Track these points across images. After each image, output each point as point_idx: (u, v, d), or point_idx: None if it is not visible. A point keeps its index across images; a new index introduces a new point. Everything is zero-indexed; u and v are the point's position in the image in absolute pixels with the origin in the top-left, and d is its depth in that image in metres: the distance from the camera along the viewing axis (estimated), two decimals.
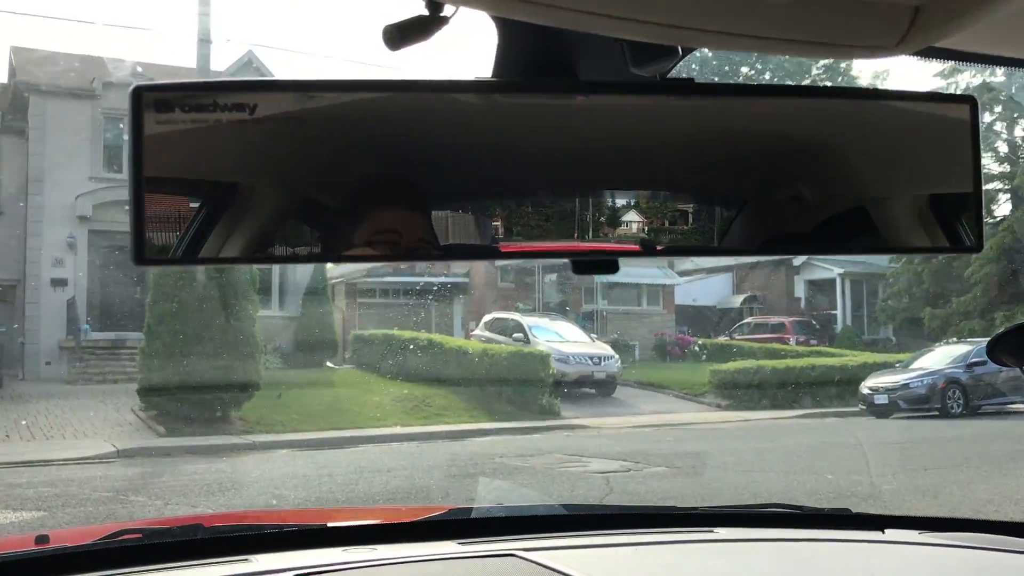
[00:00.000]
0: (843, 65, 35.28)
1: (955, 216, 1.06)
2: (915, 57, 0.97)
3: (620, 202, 0.98)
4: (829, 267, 34.15)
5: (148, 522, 2.72)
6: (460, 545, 1.83)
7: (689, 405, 21.27)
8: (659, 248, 1.00)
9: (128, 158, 0.85)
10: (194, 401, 15.91)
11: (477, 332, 24.02)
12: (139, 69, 24.79)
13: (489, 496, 8.54)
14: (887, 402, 19.17)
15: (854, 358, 23.45)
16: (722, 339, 31.45)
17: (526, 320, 23.04)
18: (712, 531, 2.01)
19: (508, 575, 1.66)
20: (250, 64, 26.49)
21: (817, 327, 32.73)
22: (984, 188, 1.19)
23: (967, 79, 32.65)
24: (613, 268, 0.99)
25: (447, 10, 0.93)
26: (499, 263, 24.43)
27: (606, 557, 1.84)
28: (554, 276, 29.33)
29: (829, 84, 34.43)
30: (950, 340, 30.71)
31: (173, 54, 69.11)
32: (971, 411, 19.05)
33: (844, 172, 1.03)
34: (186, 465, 12.65)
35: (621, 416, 19.24)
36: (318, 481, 10.77)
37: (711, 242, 1.02)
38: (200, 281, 17.20)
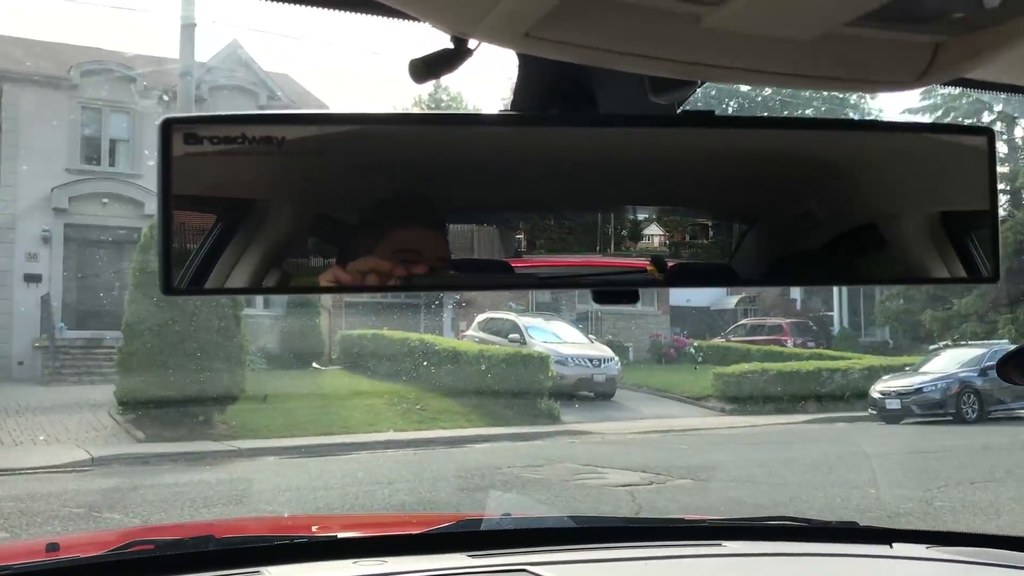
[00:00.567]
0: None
1: (971, 246, 1.05)
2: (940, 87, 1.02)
3: (636, 228, 0.98)
4: None
5: (160, 530, 2.80)
6: (470, 558, 1.82)
7: (692, 409, 20.49)
8: (673, 276, 1.00)
9: (157, 188, 0.86)
10: (175, 404, 14.93)
11: (470, 333, 23.14)
12: (127, 59, 23.82)
13: (498, 506, 8.36)
14: (899, 407, 18.45)
15: (859, 361, 22.76)
16: (718, 341, 30.80)
17: (522, 320, 22.19)
18: (720, 544, 2.00)
19: None
20: (234, 53, 25.53)
21: (815, 329, 32.10)
22: None
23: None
24: (634, 299, 1.00)
25: (471, 43, 0.93)
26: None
27: (616, 571, 1.83)
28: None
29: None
30: (952, 343, 30.23)
31: (155, 40, 67.85)
32: (984, 417, 18.38)
33: (862, 203, 1.03)
34: (166, 475, 11.72)
35: (623, 421, 18.42)
36: (313, 495, 9.89)
37: (726, 272, 1.02)
38: None
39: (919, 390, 18.48)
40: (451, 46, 0.94)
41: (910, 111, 33.82)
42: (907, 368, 20.69)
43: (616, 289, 1.00)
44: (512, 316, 22.80)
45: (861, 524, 2.20)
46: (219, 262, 0.88)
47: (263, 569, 1.73)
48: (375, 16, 0.94)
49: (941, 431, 16.30)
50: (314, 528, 2.39)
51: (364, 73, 69.01)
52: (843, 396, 21.03)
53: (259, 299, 23.82)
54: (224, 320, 15.92)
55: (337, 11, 0.93)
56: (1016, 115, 33.20)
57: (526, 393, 18.47)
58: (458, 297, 28.55)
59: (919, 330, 31.45)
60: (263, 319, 23.40)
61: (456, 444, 15.20)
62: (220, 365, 15.64)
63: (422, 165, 0.92)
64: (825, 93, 34.03)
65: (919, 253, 1.04)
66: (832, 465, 11.32)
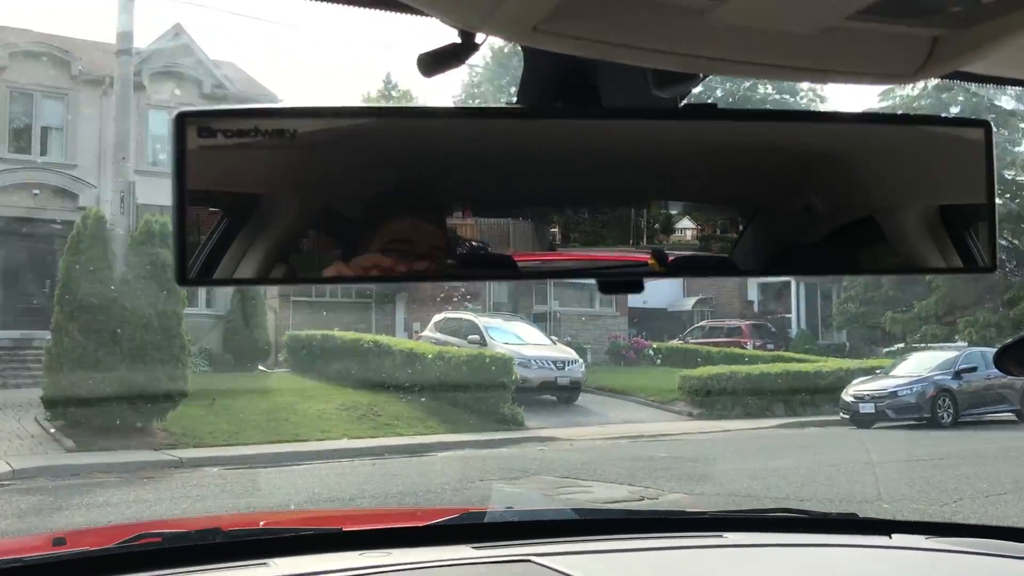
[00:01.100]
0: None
1: (968, 236, 1.07)
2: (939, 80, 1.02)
3: (639, 221, 0.99)
4: None
5: (167, 524, 2.68)
6: (475, 550, 1.81)
7: (659, 413, 19.72)
8: (675, 268, 1.01)
9: (171, 181, 0.87)
10: (109, 410, 13.62)
11: (427, 334, 22.08)
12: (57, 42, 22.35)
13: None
14: (873, 411, 17.91)
15: (826, 364, 22.23)
16: (676, 342, 30.23)
17: (481, 321, 21.21)
18: (721, 536, 2.01)
19: None
20: (178, 37, 24.15)
21: (773, 331, 31.68)
22: None
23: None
24: (638, 288, 1.01)
25: (478, 37, 0.94)
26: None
27: (620, 563, 1.83)
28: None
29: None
30: (906, 345, 30.02)
31: (93, 22, 65.29)
32: (958, 421, 17.92)
33: (861, 196, 1.04)
34: (97, 490, 10.52)
35: (590, 426, 17.56)
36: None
37: (727, 263, 1.03)
38: (118, 272, 14.95)
39: (894, 393, 17.93)
40: (458, 40, 0.95)
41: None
42: (878, 371, 20.17)
43: (621, 279, 1.02)
44: (471, 316, 21.82)
45: (860, 516, 2.21)
46: (232, 254, 0.88)
47: (270, 561, 1.73)
48: (383, 11, 0.93)
49: (922, 436, 15.73)
50: (320, 521, 2.38)
51: (318, 62, 67.35)
52: (812, 400, 20.48)
53: (201, 296, 22.56)
54: (164, 318, 14.66)
55: (342, 5, 0.92)
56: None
57: (488, 397, 17.53)
58: (408, 296, 27.50)
59: (876, 332, 31.24)
60: (206, 318, 22.10)
61: (417, 452, 14.18)
62: (159, 367, 14.40)
63: (431, 158, 0.93)
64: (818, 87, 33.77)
65: (918, 244, 1.05)
66: (831, 475, 10.59)
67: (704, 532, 2.05)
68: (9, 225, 21.45)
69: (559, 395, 19.80)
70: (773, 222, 1.02)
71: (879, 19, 0.86)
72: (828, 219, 1.02)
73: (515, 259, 0.96)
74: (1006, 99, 31.80)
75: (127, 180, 17.05)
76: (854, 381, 19.03)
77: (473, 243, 0.94)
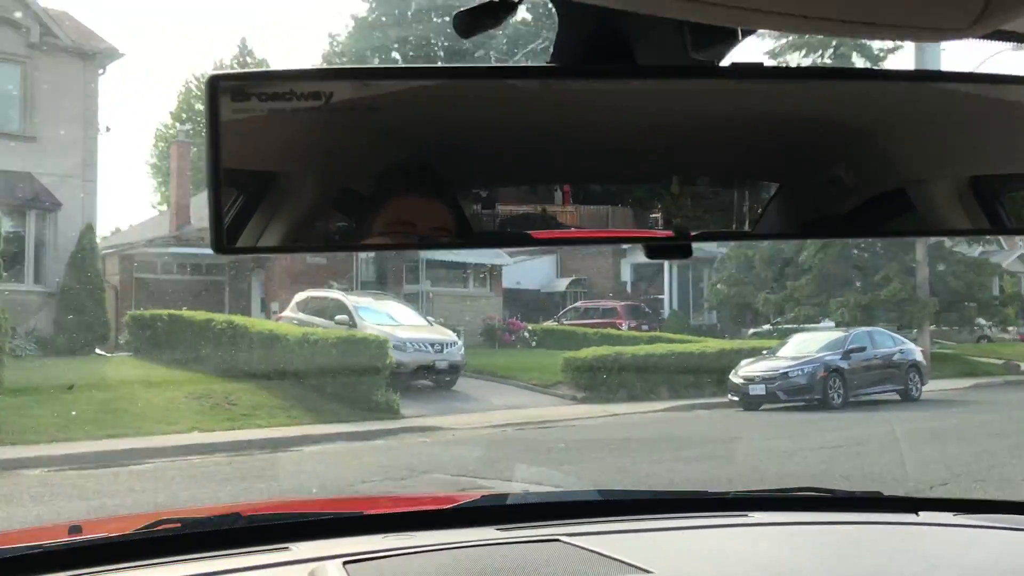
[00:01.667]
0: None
1: (1005, 198, 1.04)
2: (988, 40, 0.95)
3: (668, 186, 0.97)
4: None
5: (186, 512, 2.32)
6: (499, 531, 1.81)
7: (542, 398, 18.52)
8: (695, 234, 0.98)
9: (206, 146, 0.85)
10: None
11: (288, 314, 20.13)
12: None
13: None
14: (764, 393, 17.24)
15: (708, 344, 21.60)
16: (551, 324, 29.29)
17: (351, 300, 19.44)
18: (746, 515, 1.99)
19: (556, 561, 1.59)
20: None
21: (648, 311, 31.17)
22: None
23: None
24: (687, 253, 0.98)
25: None
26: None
27: (647, 542, 1.81)
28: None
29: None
30: (772, 326, 30.05)
31: None
32: (848, 402, 17.50)
33: (905, 154, 1.01)
34: None
35: (472, 413, 16.17)
36: None
37: (751, 225, 1.00)
38: None
39: (785, 375, 17.32)
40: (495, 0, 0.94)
41: None
42: (764, 352, 19.60)
43: (668, 244, 0.99)
44: (338, 295, 20.01)
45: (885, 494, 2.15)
46: (268, 221, 0.87)
47: (291, 545, 1.70)
48: None
49: (818, 418, 15.09)
50: (341, 506, 2.33)
51: (167, 19, 62.97)
52: (696, 381, 19.78)
53: (28, 271, 19.92)
54: None
55: None
56: None
57: (360, 383, 15.89)
58: (266, 273, 25.39)
59: (747, 313, 31.20)
60: (32, 296, 19.49)
61: (280, 447, 12.44)
62: None
63: (470, 118, 0.92)
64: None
65: (953, 206, 1.01)
66: (806, 457, 9.53)
67: (728, 511, 2.03)
68: None
69: (437, 380, 18.31)
70: (801, 181, 0.97)
71: None
72: (859, 180, 0.98)
73: (533, 237, 0.94)
74: None
75: None
76: (742, 362, 18.36)
77: (513, 206, 0.92)
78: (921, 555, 1.81)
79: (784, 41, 27.27)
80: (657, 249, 1.01)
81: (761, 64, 0.94)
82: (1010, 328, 37.76)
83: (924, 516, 1.98)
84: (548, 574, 1.51)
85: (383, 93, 0.89)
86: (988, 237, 31.49)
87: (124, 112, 58.65)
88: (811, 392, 17.18)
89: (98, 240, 22.83)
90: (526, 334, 26.58)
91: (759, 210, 0.99)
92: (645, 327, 28.97)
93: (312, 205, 0.88)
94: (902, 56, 29.11)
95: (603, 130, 0.93)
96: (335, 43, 48.77)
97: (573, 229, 0.94)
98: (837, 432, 12.91)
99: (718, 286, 31.16)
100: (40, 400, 13.40)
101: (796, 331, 26.36)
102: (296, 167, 0.87)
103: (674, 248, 1.00)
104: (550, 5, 0.96)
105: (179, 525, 1.77)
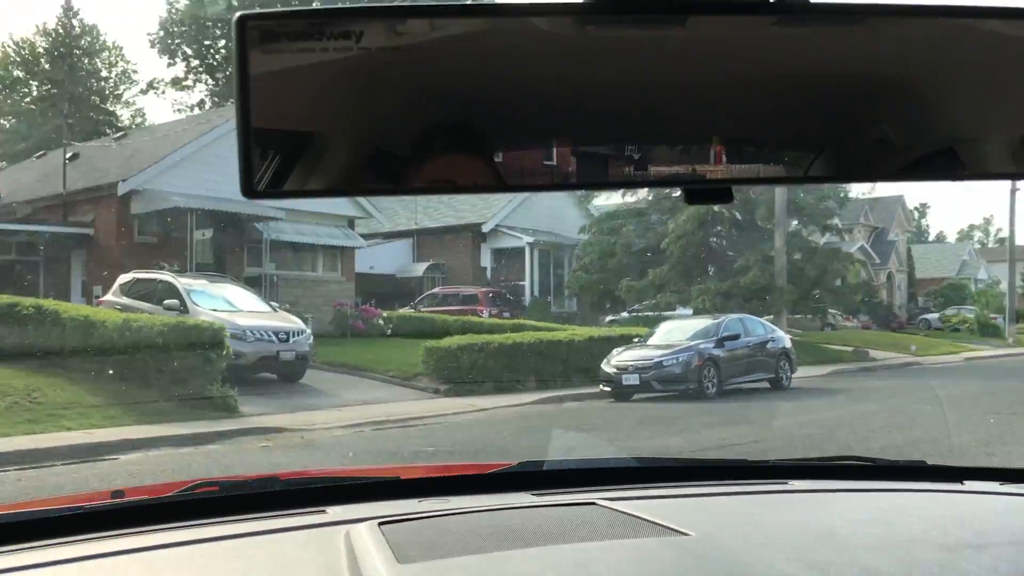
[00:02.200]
0: None
1: None
2: None
3: (708, 130, 0.93)
4: (518, 235, 31.54)
5: (224, 477, 2.58)
6: (535, 496, 1.81)
7: (401, 391, 16.91)
8: (734, 178, 0.94)
9: (234, 89, 0.85)
10: None
11: (110, 298, 17.72)
12: None
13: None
14: (638, 382, 16.25)
15: (579, 332, 20.53)
16: (407, 311, 27.67)
17: (182, 282, 17.23)
18: (786, 483, 1.98)
19: (593, 523, 1.55)
20: None
21: (510, 298, 30.01)
22: None
23: None
24: (727, 197, 0.96)
25: None
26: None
27: (686, 507, 1.77)
28: (209, 231, 23.44)
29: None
30: (628, 314, 29.49)
31: None
32: (722, 391, 16.75)
33: (974, 105, 0.95)
34: None
35: (323, 410, 14.41)
36: None
37: (794, 169, 0.96)
38: None
39: (660, 364, 16.37)
40: None
41: None
42: (636, 340, 18.66)
43: (708, 187, 0.95)
44: (168, 277, 17.74)
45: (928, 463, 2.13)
46: (297, 164, 0.87)
47: (328, 508, 1.68)
48: None
49: (696, 409, 14.15)
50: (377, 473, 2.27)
51: None
52: (565, 371, 18.66)
53: None
54: None
55: None
56: None
57: (191, 377, 13.87)
58: (88, 254, 22.68)
59: (608, 300, 30.54)
60: None
61: (93, 455, 10.39)
62: None
63: (503, 60, 0.89)
64: None
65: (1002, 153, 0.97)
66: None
67: (767, 479, 2.02)
68: None
69: (282, 373, 16.41)
70: (863, 132, 0.93)
71: None
72: (925, 137, 0.94)
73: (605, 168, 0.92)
74: None
75: None
76: (615, 351, 17.33)
77: (557, 150, 0.91)
78: (968, 522, 1.71)
79: None
80: (697, 193, 0.96)
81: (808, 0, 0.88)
82: (851, 317, 38.88)
83: (969, 485, 1.96)
84: (585, 536, 1.49)
85: (414, 32, 0.86)
86: (833, 227, 32.09)
87: None
88: (686, 381, 16.30)
89: None
90: (381, 321, 24.84)
91: (803, 154, 0.94)
92: (507, 314, 27.80)
93: (341, 147, 0.87)
94: None
95: (644, 73, 0.89)
96: (174, 10, 45.29)
97: (611, 170, 0.91)
98: (728, 428, 11.92)
99: (579, 273, 30.33)
100: None
101: (656, 319, 25.85)
102: (325, 110, 0.85)
103: (714, 192, 0.95)
104: None
105: (216, 488, 1.83)
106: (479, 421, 13.64)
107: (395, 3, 0.87)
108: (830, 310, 33.10)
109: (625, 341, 18.78)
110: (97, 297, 19.98)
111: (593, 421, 13.30)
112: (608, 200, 33.47)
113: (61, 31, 45.88)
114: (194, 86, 48.26)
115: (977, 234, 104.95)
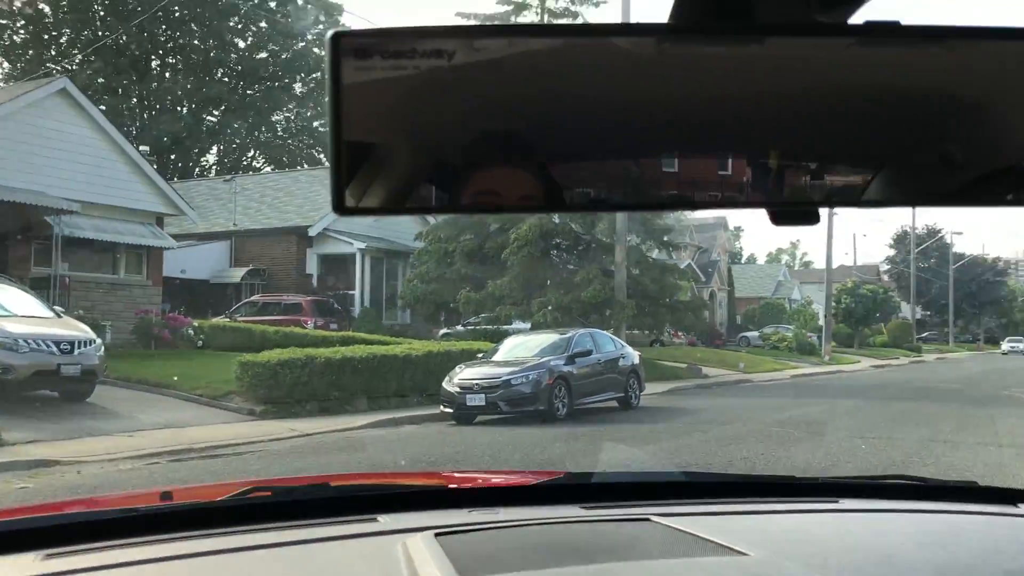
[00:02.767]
0: None
1: None
2: None
3: (790, 155, 0.91)
4: (348, 240, 29.45)
5: (277, 481, 2.49)
6: (584, 509, 1.80)
7: (210, 413, 14.63)
8: (818, 200, 0.92)
9: (328, 106, 0.87)
10: None
11: None
12: None
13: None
14: (484, 403, 14.69)
15: (416, 347, 18.77)
16: (222, 320, 25.14)
17: None
18: (836, 501, 1.98)
19: (648, 539, 1.55)
20: None
21: (338, 308, 27.87)
22: None
23: None
24: (814, 219, 0.95)
25: None
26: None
27: (738, 524, 1.76)
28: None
29: None
30: (463, 326, 28.07)
31: None
32: (573, 411, 15.43)
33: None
34: None
35: (111, 436, 12.02)
36: None
37: (875, 192, 0.93)
38: None
39: (508, 382, 14.85)
40: None
41: None
42: (480, 355, 17.11)
43: (796, 209, 0.93)
44: None
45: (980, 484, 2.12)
46: (390, 182, 0.88)
47: (379, 516, 1.70)
48: None
49: (547, 435, 12.71)
50: (427, 480, 2.30)
51: None
52: (400, 389, 16.88)
53: None
54: None
55: None
56: None
57: None
58: None
59: (444, 312, 28.95)
60: None
61: None
62: None
63: (578, 82, 0.89)
64: None
65: None
66: None
67: (817, 497, 2.02)
68: None
69: (64, 390, 13.81)
70: (917, 159, 0.91)
71: None
72: (993, 161, 0.91)
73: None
74: None
75: None
76: (457, 368, 15.71)
77: (615, 169, 0.90)
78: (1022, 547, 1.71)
79: None
80: (786, 215, 0.95)
81: (898, 23, 0.87)
82: (679, 333, 39.00)
83: None
84: (642, 553, 1.49)
85: (500, 51, 0.87)
86: (669, 243, 31.91)
87: None
88: (536, 402, 14.84)
89: None
90: (191, 331, 22.26)
91: (890, 175, 0.92)
92: (334, 326, 25.72)
93: (423, 166, 0.88)
94: None
95: (716, 94, 0.88)
96: None
97: (693, 191, 0.90)
98: (592, 457, 10.50)
99: (414, 282, 28.56)
100: None
101: (494, 333, 24.45)
102: (413, 127, 0.87)
103: (803, 213, 0.94)
104: None
105: (270, 494, 1.84)
106: (299, 449, 11.67)
107: (488, 24, 0.88)
108: (666, 326, 32.81)
109: (467, 357, 17.22)
110: None
111: (440, 450, 11.58)
112: None
113: None
114: None
115: (784, 257, 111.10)
